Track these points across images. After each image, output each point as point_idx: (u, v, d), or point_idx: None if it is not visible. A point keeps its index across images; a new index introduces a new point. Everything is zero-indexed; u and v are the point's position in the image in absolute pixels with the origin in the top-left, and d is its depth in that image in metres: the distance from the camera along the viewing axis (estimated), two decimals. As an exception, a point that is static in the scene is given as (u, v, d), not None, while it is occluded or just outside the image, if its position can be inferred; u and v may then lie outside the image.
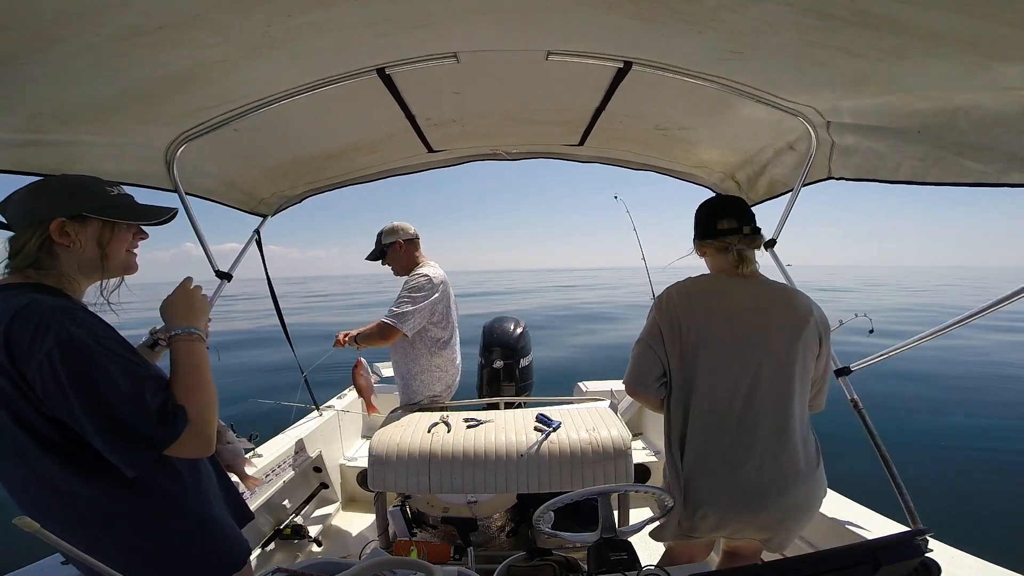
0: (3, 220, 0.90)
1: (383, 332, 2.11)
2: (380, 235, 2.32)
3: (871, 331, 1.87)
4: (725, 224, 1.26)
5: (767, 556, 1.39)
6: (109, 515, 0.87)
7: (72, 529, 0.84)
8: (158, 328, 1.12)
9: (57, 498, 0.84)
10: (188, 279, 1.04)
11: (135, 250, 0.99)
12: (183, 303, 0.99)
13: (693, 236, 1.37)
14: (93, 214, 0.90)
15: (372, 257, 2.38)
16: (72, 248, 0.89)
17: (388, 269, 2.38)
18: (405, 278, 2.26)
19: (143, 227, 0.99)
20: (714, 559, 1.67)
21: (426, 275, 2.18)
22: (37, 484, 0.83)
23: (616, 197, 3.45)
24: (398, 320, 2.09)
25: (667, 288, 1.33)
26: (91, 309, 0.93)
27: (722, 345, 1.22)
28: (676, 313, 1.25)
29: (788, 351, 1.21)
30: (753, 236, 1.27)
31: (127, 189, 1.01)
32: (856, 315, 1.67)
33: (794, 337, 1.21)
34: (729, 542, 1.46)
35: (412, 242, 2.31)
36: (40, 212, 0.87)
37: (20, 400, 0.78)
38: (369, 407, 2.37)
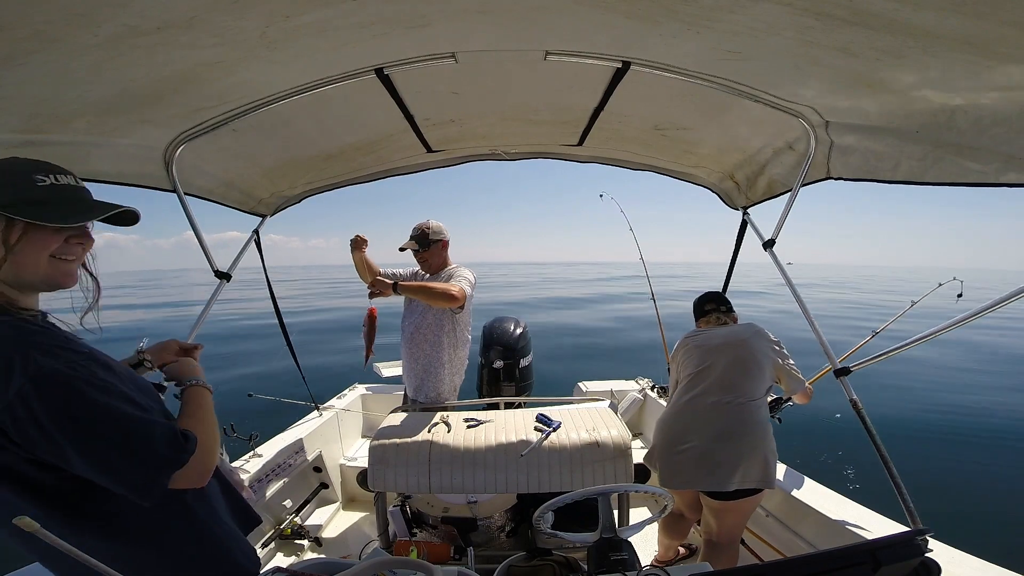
0: None
1: (455, 295, 2.03)
2: (427, 231, 2.31)
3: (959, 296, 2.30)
4: (710, 307, 2.10)
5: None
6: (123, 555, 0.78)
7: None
8: (145, 348, 1.05)
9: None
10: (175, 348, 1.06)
11: (69, 258, 0.77)
12: (187, 365, 1.02)
13: (694, 318, 2.14)
14: None
15: (416, 247, 2.34)
16: None
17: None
18: (430, 275, 2.33)
19: (85, 229, 0.78)
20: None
21: (470, 271, 2.27)
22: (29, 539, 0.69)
23: (601, 196, 3.58)
24: (469, 293, 2.15)
25: (682, 337, 2.08)
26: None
27: (707, 358, 1.88)
28: (685, 344, 2.03)
29: (744, 355, 1.83)
30: (727, 310, 2.07)
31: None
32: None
33: (749, 348, 1.84)
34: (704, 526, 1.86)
35: (447, 244, 2.40)
36: None
37: None
38: (368, 353, 2.23)
